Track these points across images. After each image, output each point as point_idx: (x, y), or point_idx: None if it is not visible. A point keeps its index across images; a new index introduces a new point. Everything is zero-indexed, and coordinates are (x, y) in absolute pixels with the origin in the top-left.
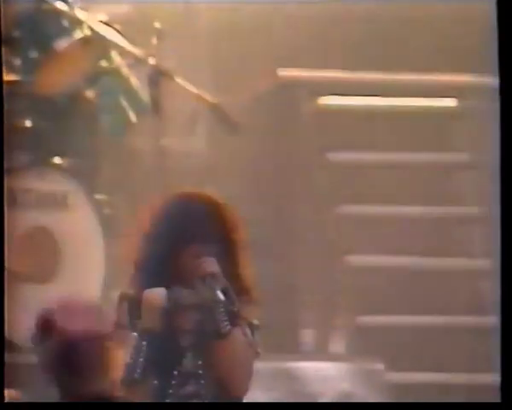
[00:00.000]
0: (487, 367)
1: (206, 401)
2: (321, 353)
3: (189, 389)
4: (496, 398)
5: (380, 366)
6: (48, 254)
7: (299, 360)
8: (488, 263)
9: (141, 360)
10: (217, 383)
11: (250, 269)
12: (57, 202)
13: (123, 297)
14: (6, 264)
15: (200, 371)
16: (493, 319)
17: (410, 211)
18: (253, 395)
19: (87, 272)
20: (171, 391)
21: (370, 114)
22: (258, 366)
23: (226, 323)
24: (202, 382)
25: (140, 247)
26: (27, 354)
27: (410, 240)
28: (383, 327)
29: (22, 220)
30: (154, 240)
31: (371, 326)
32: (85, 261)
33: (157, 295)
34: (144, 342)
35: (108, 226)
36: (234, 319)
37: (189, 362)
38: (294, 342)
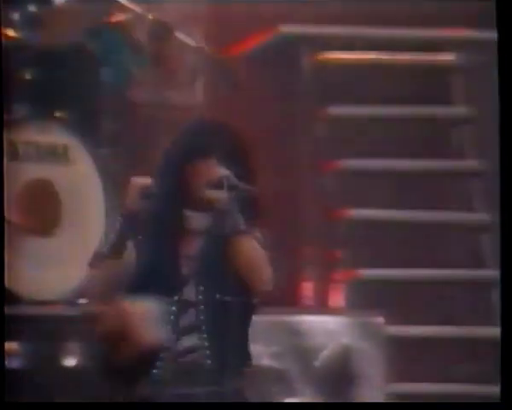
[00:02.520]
0: (487, 321)
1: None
2: (321, 306)
3: (188, 318)
4: (493, 353)
5: (379, 320)
6: (49, 207)
7: (299, 313)
8: (488, 217)
9: (112, 236)
10: (239, 283)
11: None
12: (58, 155)
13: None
14: (7, 216)
15: (201, 305)
16: (493, 273)
17: (409, 165)
18: (254, 349)
19: (88, 225)
20: (172, 318)
21: (370, 68)
22: (259, 319)
23: (242, 221)
24: (202, 318)
25: (151, 174)
26: (29, 307)
27: (410, 194)
28: (383, 281)
29: (23, 173)
30: (166, 164)
31: (371, 280)
32: (86, 215)
33: (139, 180)
34: (122, 223)
35: (109, 180)
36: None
37: (189, 291)
38: (295, 295)
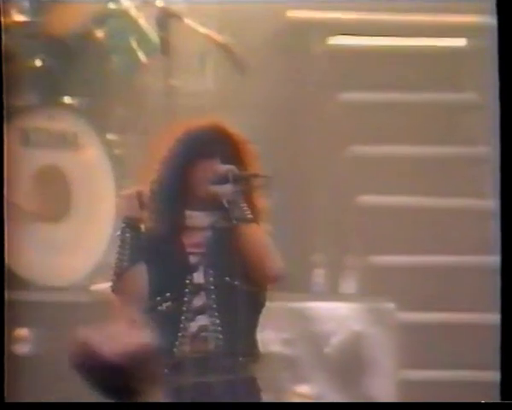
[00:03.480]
0: (497, 307)
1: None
2: (332, 293)
3: (200, 301)
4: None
5: (390, 306)
6: (59, 193)
7: (310, 300)
8: (497, 203)
9: (127, 251)
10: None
11: (262, 197)
12: (68, 142)
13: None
14: (18, 203)
15: (212, 287)
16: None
17: (419, 151)
18: (265, 335)
19: (98, 211)
20: (184, 308)
21: (380, 54)
22: (269, 306)
23: (249, 211)
24: (213, 297)
25: (156, 173)
26: (38, 292)
27: (420, 180)
28: (394, 267)
29: (33, 159)
30: (169, 165)
31: (382, 266)
32: (96, 201)
33: (136, 188)
34: (128, 234)
35: (119, 166)
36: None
37: (199, 275)
38: (306, 281)
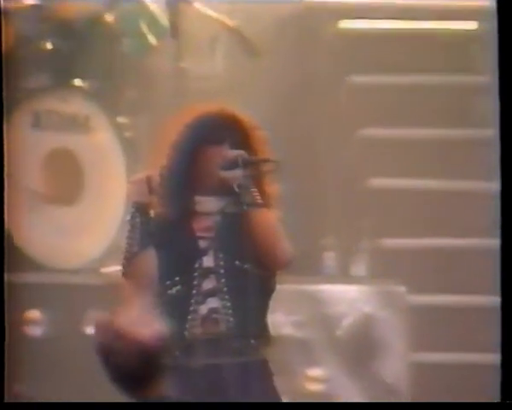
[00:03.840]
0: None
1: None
2: (343, 275)
3: (210, 284)
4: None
5: (401, 288)
6: (70, 176)
7: (321, 282)
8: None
9: (137, 235)
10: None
11: (272, 181)
12: (79, 125)
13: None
14: (29, 185)
15: (222, 271)
16: None
17: (429, 133)
18: (276, 318)
19: (109, 194)
20: (194, 292)
21: (391, 38)
22: (280, 288)
23: (259, 196)
24: (223, 280)
25: (166, 158)
26: (50, 274)
27: (431, 163)
28: (404, 249)
29: (44, 142)
30: (178, 150)
31: (393, 249)
32: (107, 184)
33: (146, 173)
34: (138, 219)
35: (129, 149)
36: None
37: (209, 259)
38: (317, 264)
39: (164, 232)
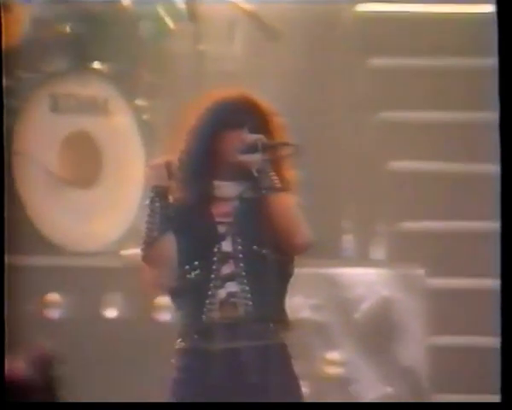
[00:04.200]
0: None
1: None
2: (362, 259)
3: (228, 269)
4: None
5: (420, 271)
6: (88, 159)
7: (340, 266)
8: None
9: (157, 220)
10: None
11: (291, 166)
12: (97, 108)
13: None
14: (48, 168)
15: (240, 255)
16: None
17: (449, 116)
18: (295, 301)
19: (127, 177)
20: (213, 276)
21: (410, 20)
22: (299, 272)
23: (277, 180)
24: (241, 265)
25: (184, 142)
26: (69, 257)
27: (450, 146)
28: (423, 233)
29: (63, 125)
30: (198, 135)
31: (412, 232)
32: (126, 166)
33: (165, 158)
34: (157, 204)
35: (147, 132)
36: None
37: (227, 244)
38: (336, 247)
39: (183, 217)
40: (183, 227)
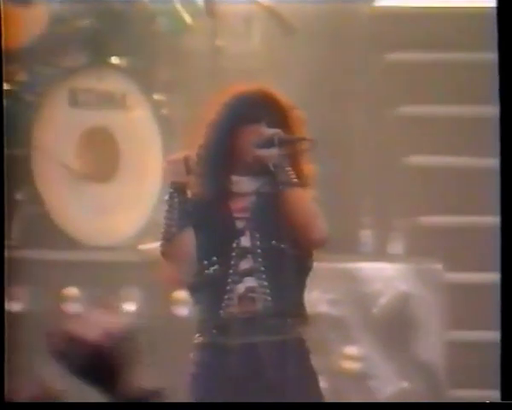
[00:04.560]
0: None
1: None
2: (380, 253)
3: (247, 264)
4: None
5: (438, 266)
6: (107, 153)
7: (358, 260)
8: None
9: (175, 215)
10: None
11: (308, 161)
12: (116, 102)
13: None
14: (67, 163)
15: (259, 250)
16: None
17: (467, 111)
18: (313, 296)
19: (145, 171)
20: (231, 271)
21: (428, 15)
22: (317, 266)
23: (294, 175)
24: (260, 260)
25: (203, 137)
26: (87, 252)
27: (469, 140)
28: (441, 227)
29: (82, 120)
30: (216, 129)
31: (430, 227)
32: (144, 161)
33: (183, 153)
34: (176, 199)
35: (166, 126)
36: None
37: (246, 239)
38: (353, 242)
39: (201, 212)
40: (202, 222)
